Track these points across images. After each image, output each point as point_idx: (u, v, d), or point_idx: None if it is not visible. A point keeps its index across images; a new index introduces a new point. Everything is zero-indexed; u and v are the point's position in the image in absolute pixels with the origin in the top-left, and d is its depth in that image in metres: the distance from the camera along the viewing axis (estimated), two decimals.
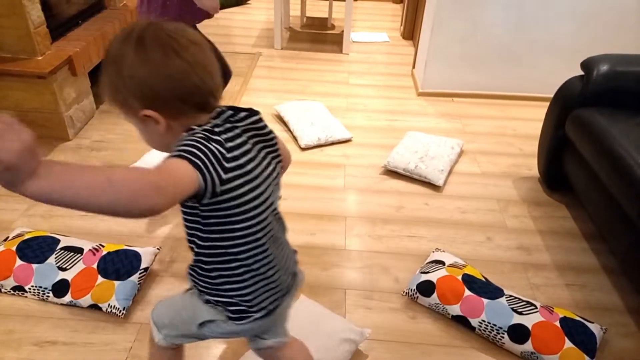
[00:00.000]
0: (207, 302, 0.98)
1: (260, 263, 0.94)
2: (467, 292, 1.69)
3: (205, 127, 0.80)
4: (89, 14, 3.01)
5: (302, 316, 1.60)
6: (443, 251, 1.97)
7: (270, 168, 0.91)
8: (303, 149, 2.67)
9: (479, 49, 3.18)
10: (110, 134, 2.71)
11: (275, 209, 0.94)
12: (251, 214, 0.87)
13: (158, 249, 1.89)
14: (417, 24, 4.03)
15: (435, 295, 1.71)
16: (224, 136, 0.80)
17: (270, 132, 0.94)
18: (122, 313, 1.65)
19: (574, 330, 1.58)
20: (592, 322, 1.63)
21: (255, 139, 0.88)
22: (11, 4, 2.27)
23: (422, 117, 3.08)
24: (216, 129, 0.80)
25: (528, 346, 1.56)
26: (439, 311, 1.72)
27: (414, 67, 3.65)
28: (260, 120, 0.92)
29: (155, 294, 1.76)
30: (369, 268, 1.93)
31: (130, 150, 2.56)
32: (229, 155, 0.79)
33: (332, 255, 1.98)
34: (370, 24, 4.75)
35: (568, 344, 1.54)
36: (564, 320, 1.60)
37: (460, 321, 1.68)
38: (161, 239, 2.01)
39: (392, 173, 2.50)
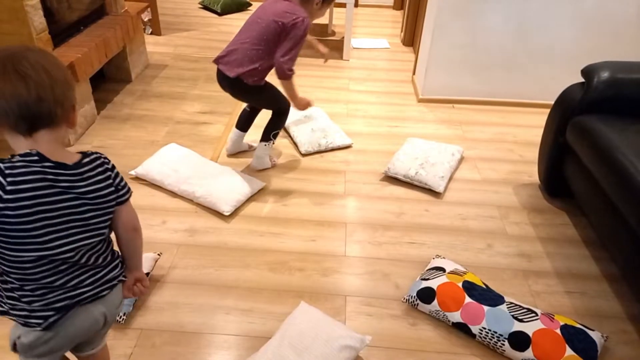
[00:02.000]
0: None
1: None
2: (468, 299, 1.69)
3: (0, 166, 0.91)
4: (90, 20, 3.02)
5: (302, 322, 1.59)
6: (443, 258, 1.97)
7: (62, 219, 0.99)
8: (303, 155, 2.67)
9: (479, 55, 3.19)
10: (111, 139, 2.71)
11: (68, 250, 1.01)
12: (19, 248, 0.96)
13: (159, 254, 1.89)
14: (417, 30, 4.04)
15: (435, 302, 1.71)
16: (9, 179, 0.90)
17: (97, 190, 1.02)
18: (123, 319, 1.65)
19: (575, 337, 1.57)
20: (593, 330, 1.63)
21: (54, 189, 0.96)
22: (14, 10, 2.28)
23: (422, 123, 3.09)
24: (7, 171, 0.90)
25: (529, 354, 1.55)
26: (439, 318, 1.72)
27: (414, 73, 3.66)
28: (75, 175, 0.99)
29: (155, 300, 1.76)
30: (369, 274, 1.93)
31: (131, 155, 2.56)
32: (5, 197, 0.90)
33: (333, 261, 1.98)
34: (370, 31, 4.76)
35: (569, 351, 1.54)
36: (565, 328, 1.60)
37: (461, 328, 1.67)
38: (162, 244, 2.01)
39: (392, 179, 2.50)
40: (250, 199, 2.30)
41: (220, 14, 4.91)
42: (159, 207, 2.23)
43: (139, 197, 2.27)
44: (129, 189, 1.13)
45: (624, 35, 3.06)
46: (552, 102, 2.29)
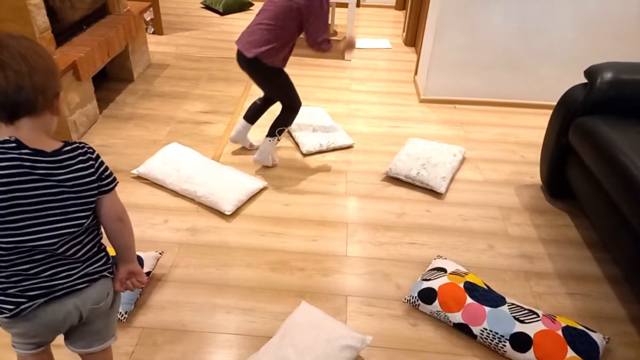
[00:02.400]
0: None
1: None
2: (469, 300, 1.68)
3: None
4: (93, 19, 3.03)
5: (303, 322, 1.59)
6: (445, 258, 1.97)
7: (40, 207, 1.00)
8: (305, 155, 2.67)
9: (481, 56, 3.19)
10: (113, 138, 2.71)
11: (46, 237, 1.02)
12: None
13: (160, 253, 1.89)
14: (419, 30, 4.04)
15: (436, 302, 1.71)
16: None
17: (76, 178, 1.03)
18: (124, 317, 1.65)
19: (577, 339, 1.57)
20: (595, 332, 1.63)
21: (31, 176, 0.98)
22: (17, 9, 2.28)
23: (424, 124, 3.09)
24: None
25: (530, 355, 1.55)
26: (440, 319, 1.71)
27: (416, 73, 3.66)
28: (53, 162, 1.00)
29: (157, 298, 1.76)
30: (370, 275, 1.93)
31: (133, 155, 2.56)
32: None
33: (334, 261, 1.98)
34: (372, 31, 4.76)
35: (570, 353, 1.53)
36: (567, 329, 1.60)
37: (462, 329, 1.67)
38: (163, 243, 2.01)
39: (393, 180, 2.50)
40: (251, 198, 2.30)
41: (222, 14, 4.91)
42: (160, 206, 2.23)
43: (141, 196, 2.28)
44: (114, 179, 1.12)
45: (625, 36, 3.06)
46: (555, 103, 2.28)
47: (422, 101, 3.35)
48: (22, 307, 1.04)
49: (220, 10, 4.90)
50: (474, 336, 1.65)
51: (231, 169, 2.40)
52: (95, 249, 1.13)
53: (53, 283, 1.06)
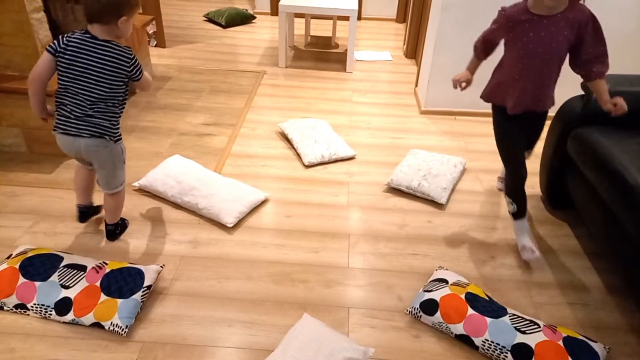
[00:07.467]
0: None
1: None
2: (471, 311, 1.68)
3: None
4: None
5: (305, 334, 1.60)
6: (446, 269, 1.97)
7: (84, 70, 1.76)
8: (307, 167, 2.69)
9: (481, 67, 3.19)
10: None
11: (83, 90, 1.77)
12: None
13: (161, 266, 1.89)
14: (420, 43, 4.07)
15: (438, 314, 1.71)
16: (65, 39, 1.78)
17: (109, 62, 1.77)
18: (125, 331, 1.65)
19: (577, 349, 1.57)
20: (596, 342, 1.63)
21: (86, 50, 1.77)
22: (19, 22, 2.31)
23: (425, 135, 3.10)
24: (66, 37, 1.79)
25: None
26: (442, 330, 1.72)
27: (416, 85, 3.68)
28: (100, 46, 1.76)
29: (158, 312, 1.76)
30: (372, 286, 1.93)
31: (135, 167, 2.58)
32: (60, 47, 1.78)
33: (335, 273, 1.99)
34: (373, 43, 4.80)
35: None
36: (567, 340, 1.60)
37: (464, 340, 1.67)
38: (164, 256, 2.02)
39: (395, 191, 2.51)
40: (253, 210, 2.31)
41: (224, 27, 4.95)
42: (162, 218, 2.24)
43: (143, 208, 2.29)
44: (140, 73, 1.82)
45: (623, 49, 3.07)
46: (553, 114, 2.30)
47: (422, 112, 3.37)
48: (56, 131, 1.82)
49: (223, 23, 4.94)
50: (476, 347, 1.65)
51: (233, 181, 2.41)
52: (106, 116, 1.78)
53: (70, 121, 1.78)
